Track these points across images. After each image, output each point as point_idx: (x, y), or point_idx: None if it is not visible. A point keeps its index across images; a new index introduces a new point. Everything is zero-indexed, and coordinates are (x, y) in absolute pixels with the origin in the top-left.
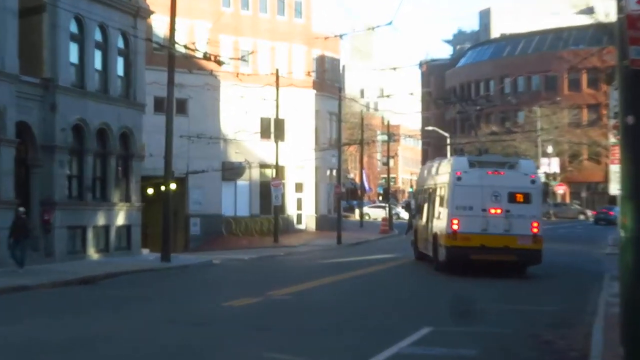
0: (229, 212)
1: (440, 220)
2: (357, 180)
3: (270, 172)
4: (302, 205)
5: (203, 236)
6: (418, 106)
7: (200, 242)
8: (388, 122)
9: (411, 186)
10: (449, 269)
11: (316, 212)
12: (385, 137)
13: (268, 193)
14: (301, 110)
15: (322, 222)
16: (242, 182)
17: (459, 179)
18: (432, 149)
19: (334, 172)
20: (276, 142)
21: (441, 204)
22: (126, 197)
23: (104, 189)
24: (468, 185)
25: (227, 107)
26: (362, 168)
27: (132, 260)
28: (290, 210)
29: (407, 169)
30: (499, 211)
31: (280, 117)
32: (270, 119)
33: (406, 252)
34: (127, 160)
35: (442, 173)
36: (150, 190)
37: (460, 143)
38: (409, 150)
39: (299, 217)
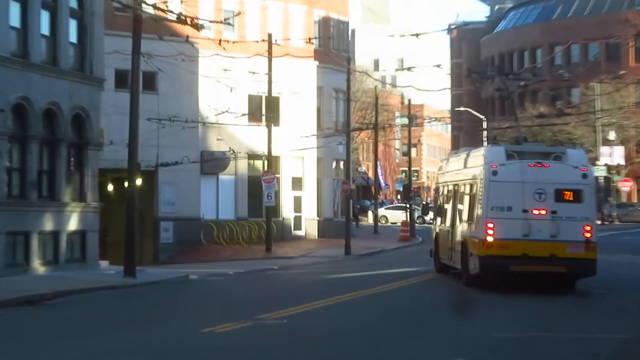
0: (209, 215)
1: (471, 225)
2: (371, 174)
3: (261, 165)
4: (302, 206)
5: (177, 245)
6: (446, 82)
7: (173, 253)
8: (409, 101)
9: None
10: (482, 284)
11: (319, 215)
12: (406, 121)
13: (258, 191)
14: (300, 87)
15: (326, 228)
16: (225, 176)
17: (494, 173)
18: (464, 136)
19: (342, 164)
20: (268, 126)
21: (472, 205)
22: (80, 196)
23: (52, 185)
24: (506, 181)
25: (207, 82)
26: (376, 159)
27: (88, 274)
28: (287, 212)
29: (433, 161)
30: (543, 212)
31: (273, 94)
32: (261, 97)
33: (430, 265)
34: (81, 149)
35: (473, 166)
36: (110, 187)
37: (499, 128)
38: (436, 137)
39: (297, 221)
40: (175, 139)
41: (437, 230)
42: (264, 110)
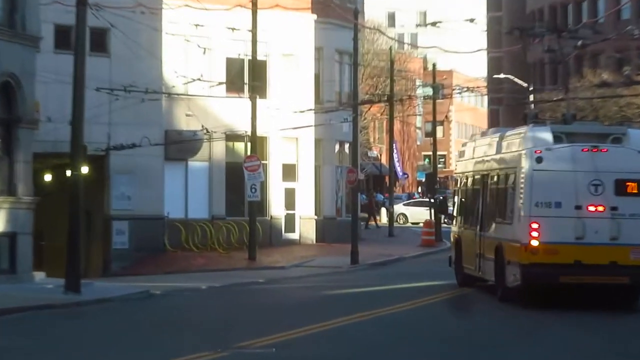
0: (176, 213)
1: (508, 225)
2: (384, 160)
3: (242, 148)
4: (295, 202)
5: (134, 251)
6: (482, 41)
7: (130, 262)
8: (434, 66)
9: None
10: (523, 299)
11: (317, 213)
12: (430, 91)
13: (239, 182)
14: (293, 48)
15: (327, 229)
16: (197, 163)
17: (538, 160)
18: (504, 111)
19: (347, 147)
20: (252, 98)
21: (509, 200)
22: (9, 188)
23: None
24: (553, 170)
25: (174, 42)
26: (391, 141)
27: (18, 289)
28: (276, 209)
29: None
30: (601, 209)
31: (259, 58)
32: (243, 61)
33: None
34: (10, 127)
35: (509, 152)
36: (48, 177)
37: (550, 101)
38: (468, 113)
39: (290, 220)
40: (133, 115)
41: (459, 233)
42: (247, 77)
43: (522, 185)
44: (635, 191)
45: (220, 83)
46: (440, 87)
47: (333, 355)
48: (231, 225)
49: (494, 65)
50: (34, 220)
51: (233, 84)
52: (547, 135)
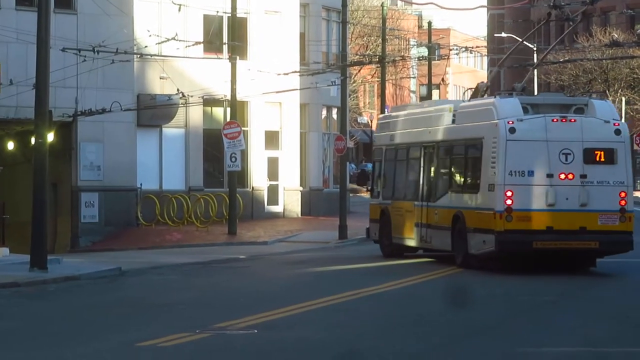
0: (149, 184)
1: (474, 194)
2: (376, 127)
3: (221, 113)
4: (279, 172)
5: (104, 226)
6: None
7: (100, 236)
8: (429, 24)
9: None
10: (497, 265)
11: (303, 184)
12: (425, 51)
13: (218, 150)
14: (276, 4)
15: (314, 202)
16: (172, 130)
17: (512, 130)
18: (507, 73)
19: (335, 112)
20: (232, 59)
21: (474, 170)
22: None
23: None
24: (526, 139)
25: None
26: (383, 106)
27: None
28: (258, 180)
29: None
30: (571, 177)
31: (239, 15)
32: (221, 18)
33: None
34: None
35: (471, 123)
36: (10, 145)
37: (556, 62)
38: (467, 75)
39: (273, 192)
40: (102, 78)
41: (385, 205)
42: (226, 37)
43: (494, 155)
44: (603, 160)
45: (197, 43)
46: (436, 47)
47: (322, 337)
48: (209, 198)
49: (495, 23)
50: None
51: (211, 43)
52: (517, 106)
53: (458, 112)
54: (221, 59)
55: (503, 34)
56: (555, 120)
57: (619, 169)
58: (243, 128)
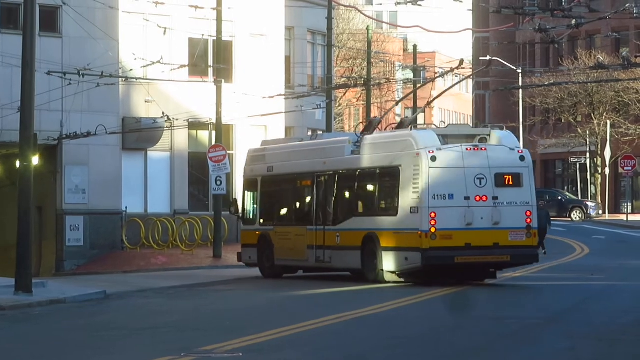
0: (134, 208)
1: (390, 217)
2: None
3: (207, 137)
4: None
5: (89, 249)
6: (468, 20)
7: (85, 260)
8: (414, 48)
9: None
10: (419, 278)
11: None
12: (411, 75)
13: (203, 173)
14: (262, 27)
15: None
16: (157, 153)
17: (433, 159)
18: (492, 97)
19: (320, 135)
20: (217, 83)
21: (386, 194)
22: None
23: None
24: (446, 167)
25: (131, 21)
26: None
27: None
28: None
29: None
30: (485, 199)
31: (224, 38)
32: (207, 42)
33: None
34: None
35: (385, 153)
36: None
37: (541, 85)
38: (452, 99)
39: None
40: (87, 101)
41: (266, 230)
42: (211, 60)
43: (417, 181)
44: (511, 183)
45: (182, 66)
46: (421, 70)
47: None
48: (195, 221)
49: (480, 46)
50: None
51: (196, 67)
52: (433, 137)
53: (364, 143)
54: (206, 82)
55: (488, 57)
56: (469, 149)
57: (525, 191)
58: (228, 151)
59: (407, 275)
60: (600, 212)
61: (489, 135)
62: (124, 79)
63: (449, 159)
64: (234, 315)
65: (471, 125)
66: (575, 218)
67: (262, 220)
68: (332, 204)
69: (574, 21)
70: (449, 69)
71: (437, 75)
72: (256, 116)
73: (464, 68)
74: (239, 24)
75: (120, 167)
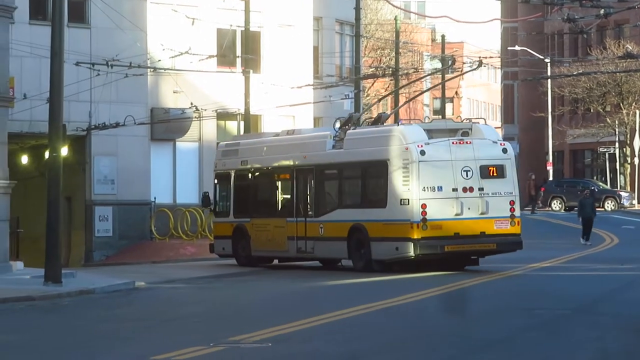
0: (163, 198)
1: (378, 209)
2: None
3: (235, 127)
4: None
5: (118, 240)
6: (496, 10)
7: (114, 250)
8: (443, 38)
9: None
10: (415, 267)
11: None
12: (439, 64)
13: None
14: (290, 18)
15: None
16: (186, 143)
17: (422, 153)
18: (522, 87)
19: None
20: (245, 73)
21: (374, 187)
22: None
23: None
24: (435, 160)
25: (160, 12)
26: (397, 119)
27: None
28: None
29: (476, 121)
30: (471, 190)
31: (252, 29)
32: (235, 32)
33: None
34: None
35: (372, 147)
36: (24, 159)
37: (569, 75)
38: (481, 89)
39: None
40: (115, 92)
41: (241, 222)
42: (239, 50)
43: (407, 174)
44: (495, 174)
45: (210, 56)
46: (450, 60)
47: (331, 351)
48: None
49: (509, 36)
50: (10, 205)
51: (224, 57)
52: (421, 132)
53: (347, 138)
54: (234, 72)
55: (516, 47)
56: (454, 142)
57: (508, 181)
58: None
59: (394, 264)
60: (634, 202)
61: (471, 129)
62: (152, 70)
63: (436, 153)
64: (262, 305)
65: (462, 119)
66: (608, 208)
67: (236, 213)
68: (314, 197)
69: (602, 11)
70: (476, 59)
71: (462, 71)
72: (284, 106)
73: (491, 57)
74: (266, 15)
75: (148, 158)
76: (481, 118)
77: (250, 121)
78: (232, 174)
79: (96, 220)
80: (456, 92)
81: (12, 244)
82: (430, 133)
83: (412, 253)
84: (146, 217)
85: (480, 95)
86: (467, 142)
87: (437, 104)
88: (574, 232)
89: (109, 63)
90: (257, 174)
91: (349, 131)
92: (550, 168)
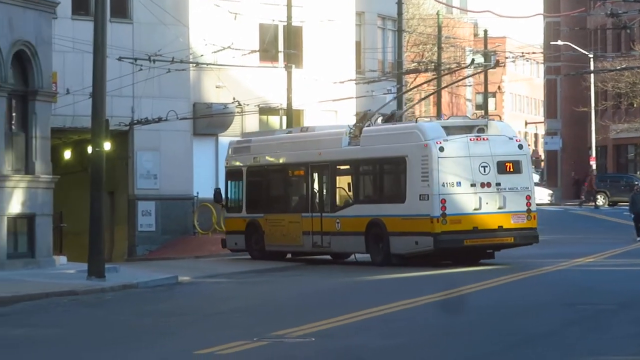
0: (206, 193)
1: (397, 205)
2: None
3: (277, 122)
4: None
5: (161, 234)
6: (538, 5)
7: (157, 245)
8: (485, 33)
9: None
10: (432, 261)
11: None
12: (481, 59)
13: None
14: (332, 13)
15: None
16: (228, 138)
17: (441, 149)
18: (565, 82)
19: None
20: (288, 68)
21: (392, 183)
22: (26, 166)
23: None
24: (453, 156)
25: (202, 7)
26: (439, 114)
27: (38, 275)
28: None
29: (518, 115)
30: (489, 185)
31: (295, 24)
32: (277, 27)
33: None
34: (25, 100)
35: (391, 144)
36: (67, 154)
37: (612, 70)
38: (523, 84)
39: None
40: (158, 87)
41: (254, 217)
42: (282, 45)
43: (426, 170)
44: (512, 170)
45: (252, 51)
46: (492, 55)
47: (376, 346)
48: None
49: (551, 31)
50: (53, 200)
51: (266, 52)
52: (439, 129)
53: (363, 135)
54: (277, 67)
55: (559, 42)
56: (472, 139)
57: (524, 177)
58: None
59: (413, 258)
60: None
61: (487, 125)
62: (194, 65)
63: (455, 149)
64: (305, 300)
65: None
66: None
67: (248, 209)
68: (330, 193)
69: None
70: (520, 53)
71: (507, 59)
72: (327, 101)
73: (534, 53)
74: (308, 9)
75: (191, 153)
76: (496, 115)
77: (292, 116)
78: (245, 171)
79: (139, 215)
80: (499, 87)
81: (56, 238)
82: (448, 130)
83: (432, 247)
84: (189, 211)
85: (523, 90)
86: (484, 139)
87: (480, 98)
88: (620, 228)
89: (152, 58)
90: (270, 170)
91: (365, 128)
92: (593, 163)
